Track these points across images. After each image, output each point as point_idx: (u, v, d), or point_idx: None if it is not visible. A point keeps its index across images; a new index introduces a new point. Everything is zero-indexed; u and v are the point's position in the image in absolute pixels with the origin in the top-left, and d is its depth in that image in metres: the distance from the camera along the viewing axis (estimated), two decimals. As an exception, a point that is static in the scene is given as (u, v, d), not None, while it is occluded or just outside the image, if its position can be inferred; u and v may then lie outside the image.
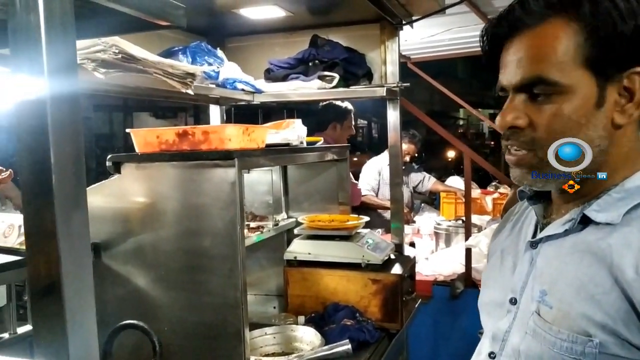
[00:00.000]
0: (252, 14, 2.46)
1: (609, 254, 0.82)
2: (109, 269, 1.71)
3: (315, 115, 3.79)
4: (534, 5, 0.86)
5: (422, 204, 5.38)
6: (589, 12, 0.83)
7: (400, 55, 2.71)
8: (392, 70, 2.63)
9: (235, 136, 1.67)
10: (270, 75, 2.59)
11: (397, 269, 2.24)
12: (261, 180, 2.45)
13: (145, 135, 1.72)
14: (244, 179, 1.64)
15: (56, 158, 0.60)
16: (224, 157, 1.58)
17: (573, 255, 0.88)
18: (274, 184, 2.46)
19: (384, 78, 2.64)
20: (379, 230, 3.44)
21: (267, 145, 1.91)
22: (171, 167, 1.65)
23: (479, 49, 0.97)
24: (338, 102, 3.69)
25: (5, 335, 1.70)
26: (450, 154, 12.04)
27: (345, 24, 2.68)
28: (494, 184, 5.16)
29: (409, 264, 2.40)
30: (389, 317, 2.17)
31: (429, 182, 5.09)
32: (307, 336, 2.00)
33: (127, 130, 1.79)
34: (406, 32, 2.78)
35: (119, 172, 1.70)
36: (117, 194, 1.72)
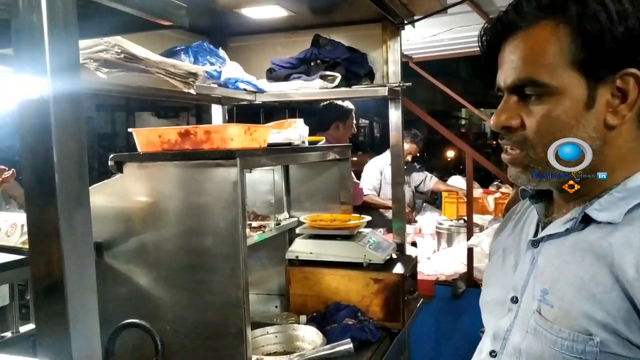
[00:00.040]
0: (254, 13, 2.46)
1: (610, 253, 0.82)
2: (111, 268, 1.72)
3: (317, 115, 3.79)
4: (526, 8, 0.88)
5: (424, 204, 5.38)
6: (575, 14, 0.83)
7: (402, 55, 2.71)
8: (393, 70, 2.63)
9: (237, 136, 1.67)
10: (272, 75, 2.59)
11: (398, 269, 2.24)
12: (263, 180, 2.45)
13: (148, 135, 1.72)
14: (246, 178, 1.64)
15: (59, 157, 0.61)
16: (226, 156, 1.59)
17: (574, 254, 0.88)
18: (276, 184, 2.46)
19: (385, 78, 2.64)
20: (381, 229, 3.44)
21: (269, 145, 1.91)
22: (173, 166, 1.66)
23: None
24: (339, 102, 3.69)
25: (8, 334, 1.71)
26: (450, 153, 12.03)
27: (347, 24, 2.68)
28: (495, 183, 5.15)
29: (411, 263, 2.40)
30: (391, 316, 2.17)
31: (430, 181, 5.09)
32: (308, 335, 2.01)
33: (130, 129, 1.80)
34: (408, 31, 2.78)
35: (121, 171, 1.71)
36: (120, 194, 1.72)
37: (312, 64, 2.55)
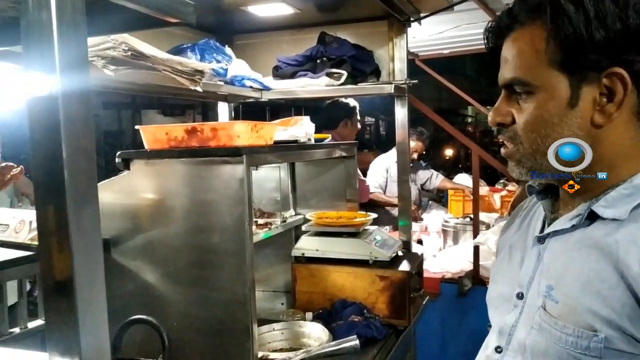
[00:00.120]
0: (260, 11, 2.46)
1: (615, 250, 0.83)
2: (119, 264, 1.73)
3: (324, 113, 3.79)
4: (516, 11, 0.92)
5: (430, 202, 5.37)
6: (550, 17, 0.86)
7: (408, 52, 2.70)
8: (399, 67, 2.62)
9: (244, 133, 1.67)
10: (278, 73, 2.59)
11: (404, 266, 2.24)
12: (269, 177, 2.46)
13: (155, 132, 1.73)
14: (252, 175, 1.64)
15: (68, 154, 0.61)
16: (233, 153, 1.59)
17: (580, 251, 0.88)
18: (282, 181, 2.46)
19: (391, 75, 2.64)
20: (387, 227, 3.44)
21: (275, 142, 1.91)
22: (180, 163, 1.66)
23: None
24: (344, 99, 3.69)
25: (17, 330, 1.72)
26: (448, 152, 11.99)
27: (353, 21, 2.68)
28: (502, 181, 5.14)
29: (417, 261, 2.40)
30: (397, 313, 2.17)
31: (436, 179, 5.08)
32: (314, 332, 2.01)
33: (137, 127, 1.80)
34: (414, 29, 2.77)
35: (128, 168, 1.71)
36: (127, 191, 1.73)
37: (318, 61, 2.55)
